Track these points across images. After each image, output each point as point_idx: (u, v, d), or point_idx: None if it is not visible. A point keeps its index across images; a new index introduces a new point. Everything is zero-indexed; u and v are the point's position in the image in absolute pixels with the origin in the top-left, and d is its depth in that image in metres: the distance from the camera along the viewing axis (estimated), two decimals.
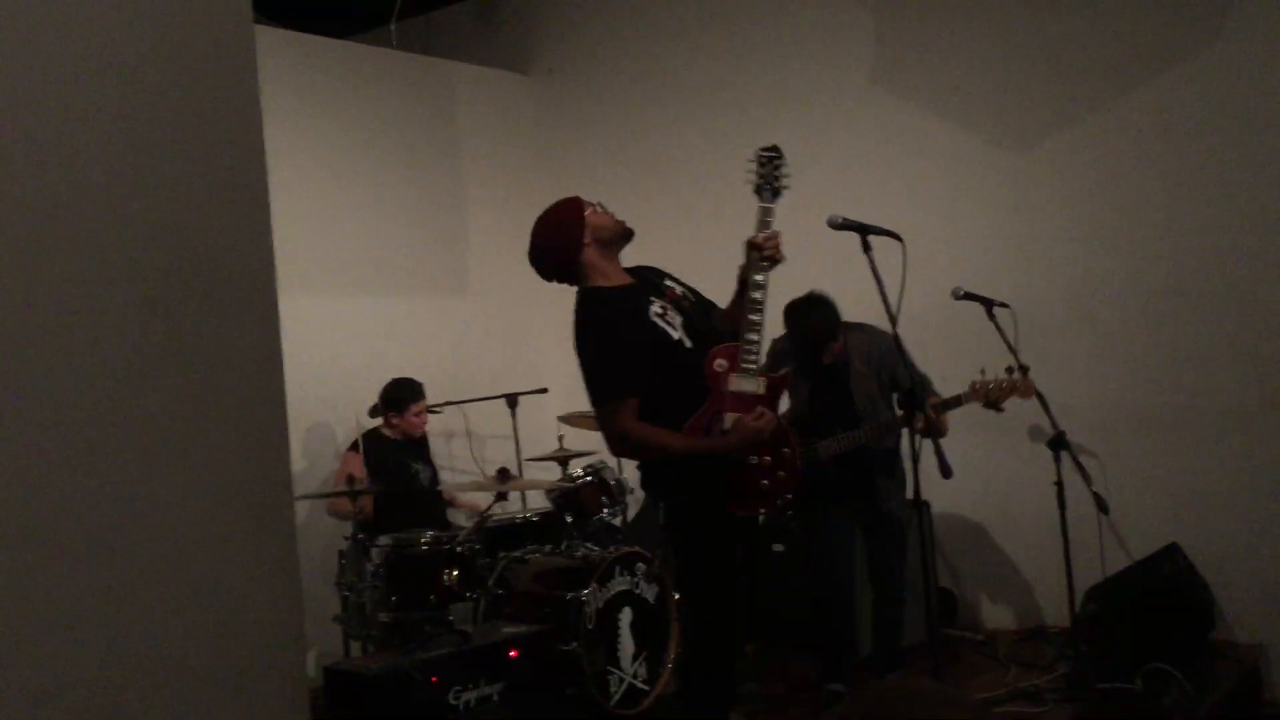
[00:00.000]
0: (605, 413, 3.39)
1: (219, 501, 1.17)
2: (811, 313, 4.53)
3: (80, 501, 1.16)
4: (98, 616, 1.17)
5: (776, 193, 3.57)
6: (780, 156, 3.60)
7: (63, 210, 1.15)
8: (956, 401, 4.42)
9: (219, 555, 1.18)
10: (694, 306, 3.59)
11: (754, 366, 3.43)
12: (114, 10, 1.18)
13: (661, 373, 3.41)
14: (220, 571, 1.18)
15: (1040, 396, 4.44)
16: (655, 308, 3.48)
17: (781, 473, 3.48)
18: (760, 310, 3.42)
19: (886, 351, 4.61)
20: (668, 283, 3.63)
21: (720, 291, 3.71)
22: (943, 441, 3.89)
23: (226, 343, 1.17)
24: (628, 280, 3.57)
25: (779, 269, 3.51)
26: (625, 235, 3.57)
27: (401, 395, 5.61)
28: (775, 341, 4.72)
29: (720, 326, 3.57)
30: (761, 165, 3.59)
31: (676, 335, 3.46)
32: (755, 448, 3.42)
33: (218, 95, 1.14)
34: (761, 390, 3.43)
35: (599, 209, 3.56)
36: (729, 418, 3.41)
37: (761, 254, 3.44)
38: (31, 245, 1.15)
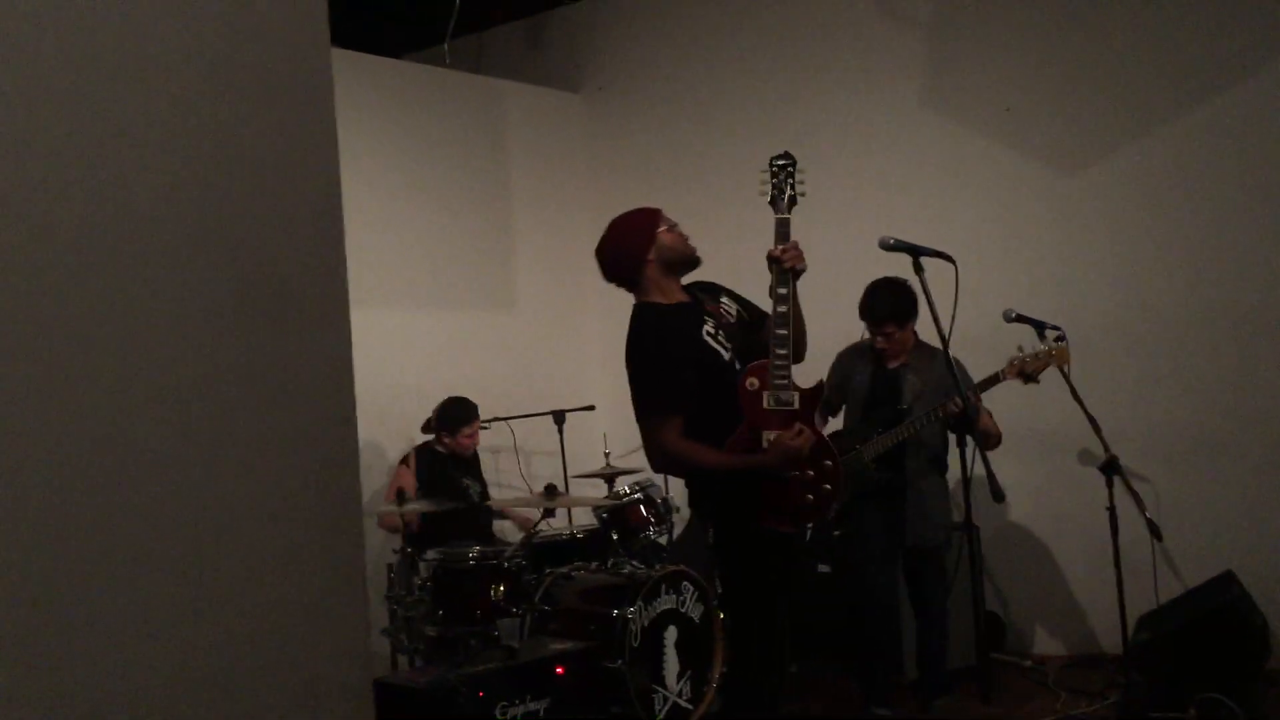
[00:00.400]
0: (648, 428, 3.40)
1: (290, 516, 1.19)
2: (876, 292, 4.61)
3: (152, 514, 1.19)
4: (165, 628, 1.19)
5: (792, 201, 3.47)
6: (793, 164, 3.46)
7: (142, 226, 1.18)
8: (995, 379, 4.41)
9: (288, 569, 1.20)
10: (748, 324, 3.59)
11: (785, 381, 3.36)
12: (193, 31, 1.21)
13: (712, 392, 3.41)
14: (289, 585, 1.20)
15: (1092, 420, 4.40)
16: (708, 327, 3.49)
17: (826, 486, 3.41)
18: (786, 323, 3.34)
19: (945, 377, 4.63)
20: (723, 299, 3.63)
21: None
22: (994, 465, 3.87)
23: (299, 359, 1.19)
24: (683, 299, 3.57)
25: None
26: (691, 262, 3.56)
27: (455, 416, 5.64)
28: (840, 355, 4.78)
29: (769, 340, 3.55)
30: (774, 175, 3.46)
31: (728, 356, 3.47)
32: (795, 464, 3.37)
33: (295, 114, 1.16)
34: (796, 405, 3.37)
35: (674, 230, 3.55)
36: (768, 436, 3.37)
37: (782, 266, 3.38)
38: (107, 260, 1.18)
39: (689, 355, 3.42)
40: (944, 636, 4.66)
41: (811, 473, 3.41)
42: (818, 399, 3.52)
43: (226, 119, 1.19)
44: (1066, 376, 4.38)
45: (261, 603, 1.20)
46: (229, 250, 1.18)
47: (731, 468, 3.40)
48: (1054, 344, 4.37)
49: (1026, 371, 4.38)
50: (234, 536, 1.19)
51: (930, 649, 4.67)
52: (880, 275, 4.66)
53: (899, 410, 4.58)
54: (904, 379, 4.66)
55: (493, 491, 6.09)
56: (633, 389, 3.47)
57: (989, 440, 4.48)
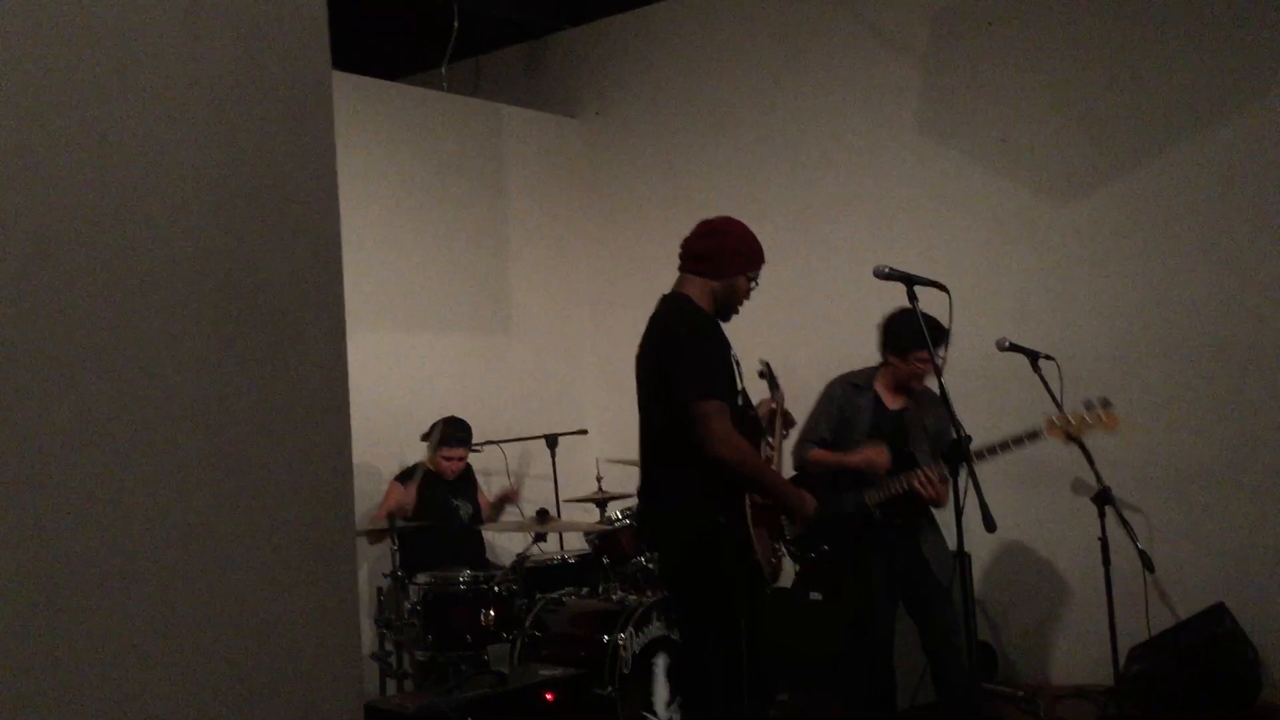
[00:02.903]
0: (713, 409, 3.44)
1: (284, 538, 1.19)
2: (915, 318, 4.30)
3: (145, 534, 1.18)
4: (159, 651, 1.18)
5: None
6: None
7: (141, 247, 1.18)
8: (1033, 436, 4.35)
9: (281, 593, 1.19)
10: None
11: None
12: (195, 53, 1.22)
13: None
14: (281, 610, 1.19)
15: (1085, 451, 4.39)
16: (734, 353, 3.69)
17: (774, 559, 3.71)
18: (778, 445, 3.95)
19: (943, 417, 4.61)
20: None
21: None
22: (986, 495, 3.85)
23: (296, 381, 1.19)
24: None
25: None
26: (728, 318, 3.75)
27: (441, 434, 5.64)
28: (831, 387, 4.72)
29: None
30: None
31: (740, 386, 3.66)
32: (805, 517, 3.68)
33: (295, 137, 1.17)
34: None
35: (752, 287, 3.74)
36: None
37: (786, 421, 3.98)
38: (106, 281, 1.18)
39: (727, 363, 3.61)
40: (962, 669, 4.48)
41: (779, 545, 3.78)
42: None
43: (226, 141, 1.19)
44: (1060, 407, 4.38)
45: (255, 625, 1.19)
46: (227, 272, 1.18)
47: (779, 485, 3.62)
48: (1103, 409, 4.32)
49: (1071, 434, 4.32)
50: (227, 558, 1.19)
51: (960, 680, 4.50)
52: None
53: (906, 455, 4.54)
54: (908, 421, 4.61)
55: (482, 513, 6.06)
56: (690, 372, 3.51)
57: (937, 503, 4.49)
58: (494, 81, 7.58)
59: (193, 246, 1.19)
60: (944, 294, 3.66)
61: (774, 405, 3.94)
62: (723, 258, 3.65)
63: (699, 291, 3.65)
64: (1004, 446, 4.32)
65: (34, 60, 1.13)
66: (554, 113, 7.35)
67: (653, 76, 7.09)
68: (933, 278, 3.77)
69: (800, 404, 4.15)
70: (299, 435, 1.19)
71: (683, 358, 3.52)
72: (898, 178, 6.09)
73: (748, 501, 3.54)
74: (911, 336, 4.38)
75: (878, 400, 4.63)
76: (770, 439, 3.86)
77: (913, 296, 3.74)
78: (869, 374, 4.66)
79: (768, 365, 4.05)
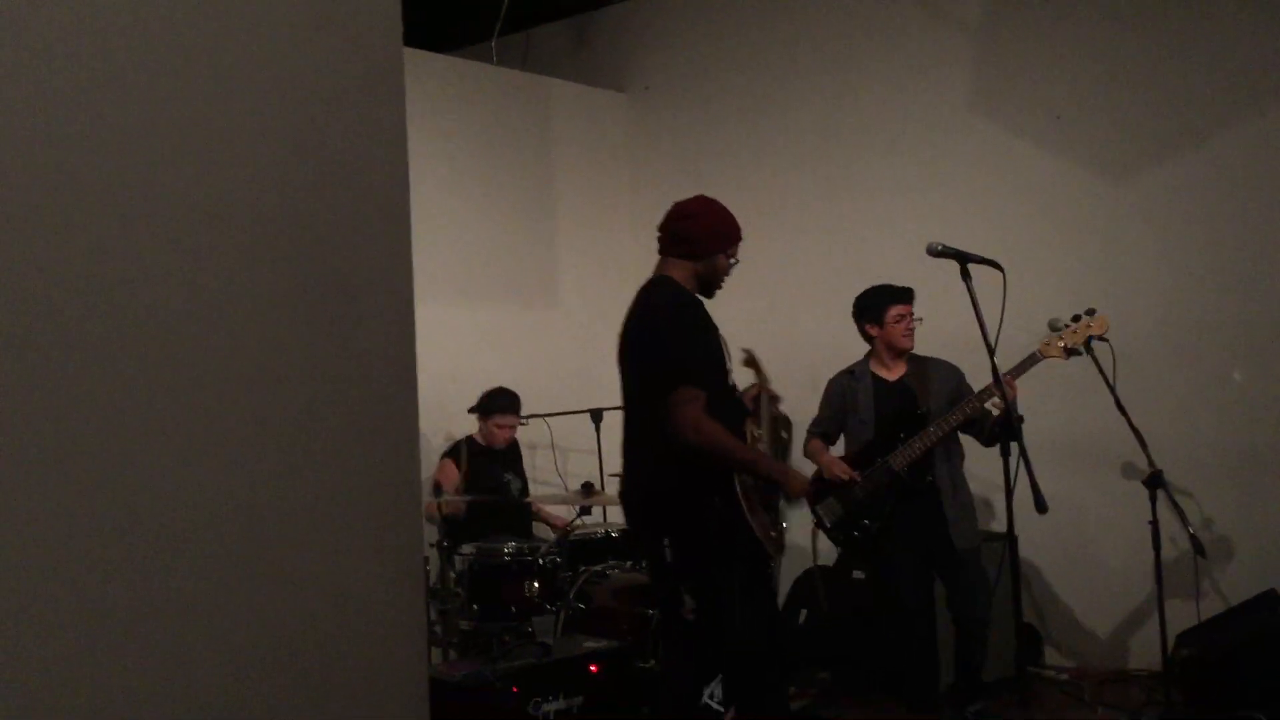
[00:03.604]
0: (684, 398, 3.40)
1: (351, 504, 1.20)
2: (878, 286, 4.70)
3: (214, 503, 1.20)
4: (225, 617, 1.20)
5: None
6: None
7: (214, 218, 1.19)
8: (1031, 360, 4.37)
9: (348, 561, 1.20)
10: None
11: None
12: (269, 28, 1.22)
13: (712, 391, 3.48)
14: (347, 578, 1.21)
15: (1137, 433, 4.35)
16: (722, 335, 3.66)
17: (774, 533, 3.64)
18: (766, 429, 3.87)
19: (958, 386, 4.60)
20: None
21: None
22: (1037, 476, 3.83)
23: (363, 348, 1.20)
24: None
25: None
26: (710, 295, 3.73)
27: (493, 403, 5.68)
28: (829, 384, 4.79)
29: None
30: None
31: (730, 365, 3.65)
32: (802, 488, 3.62)
33: (366, 110, 1.17)
34: None
35: (733, 263, 3.73)
36: None
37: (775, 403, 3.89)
38: (178, 252, 1.19)
39: (714, 347, 3.57)
40: (984, 643, 4.56)
41: (774, 533, 3.66)
42: None
43: (299, 115, 1.19)
44: (1112, 389, 4.35)
45: (321, 593, 1.20)
46: (297, 244, 1.19)
47: (755, 461, 3.53)
48: (1088, 315, 4.37)
49: (1068, 345, 4.36)
50: (294, 525, 1.20)
51: (968, 655, 4.59)
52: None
53: (919, 415, 4.53)
54: (911, 385, 4.62)
55: (529, 488, 6.10)
56: (666, 358, 3.48)
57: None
58: (543, 55, 7.57)
59: (264, 221, 1.20)
60: (998, 272, 3.63)
61: (758, 391, 3.87)
62: (701, 238, 3.64)
63: (683, 274, 3.64)
64: (1009, 375, 4.28)
65: (99, 40, 1.15)
66: (603, 87, 7.33)
67: (701, 52, 7.05)
68: (987, 255, 3.74)
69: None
70: (367, 405, 1.20)
71: (663, 345, 3.50)
72: (950, 155, 6.02)
73: (738, 481, 3.49)
74: (876, 297, 4.64)
75: (875, 378, 4.68)
76: (757, 425, 3.79)
77: (966, 274, 3.71)
78: (863, 360, 4.79)
79: (750, 353, 4.02)
